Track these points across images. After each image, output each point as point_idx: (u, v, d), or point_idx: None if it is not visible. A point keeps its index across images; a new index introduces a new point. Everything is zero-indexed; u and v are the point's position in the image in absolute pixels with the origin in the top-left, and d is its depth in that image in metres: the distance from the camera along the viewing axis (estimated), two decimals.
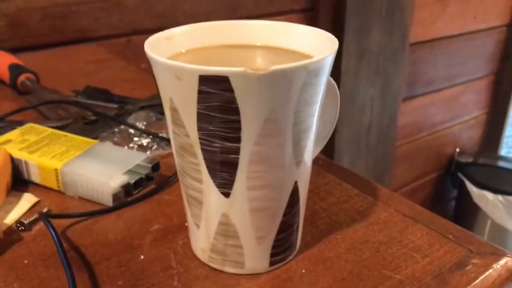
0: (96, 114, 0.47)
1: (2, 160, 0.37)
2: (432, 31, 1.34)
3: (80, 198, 0.37)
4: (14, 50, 0.68)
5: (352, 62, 1.13)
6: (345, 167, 0.42)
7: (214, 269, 0.30)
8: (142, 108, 0.50)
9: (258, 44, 0.30)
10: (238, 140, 0.25)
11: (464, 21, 1.41)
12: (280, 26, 0.30)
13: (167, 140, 0.45)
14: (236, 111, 0.24)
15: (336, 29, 1.10)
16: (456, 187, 1.67)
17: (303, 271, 0.30)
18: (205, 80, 0.24)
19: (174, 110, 0.26)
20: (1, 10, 0.72)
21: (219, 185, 0.27)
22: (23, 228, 0.34)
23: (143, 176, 0.37)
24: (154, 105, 0.51)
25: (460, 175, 1.62)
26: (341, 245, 0.33)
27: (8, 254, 0.32)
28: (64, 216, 0.34)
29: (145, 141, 0.45)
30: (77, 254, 0.32)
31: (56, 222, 0.34)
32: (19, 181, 0.39)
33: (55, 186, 0.37)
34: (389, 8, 1.15)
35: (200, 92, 0.24)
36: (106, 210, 0.35)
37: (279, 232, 0.29)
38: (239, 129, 0.25)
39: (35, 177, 0.38)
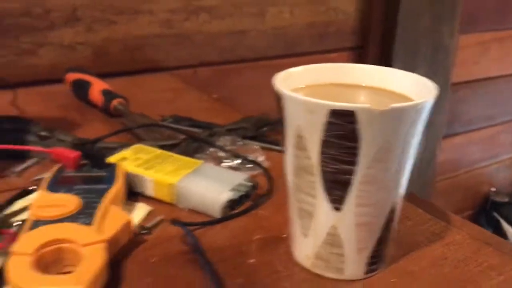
0: (191, 137, 0.53)
1: (123, 174, 0.43)
2: (474, 72, 1.39)
3: (190, 210, 0.43)
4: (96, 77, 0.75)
5: None
6: (417, 195, 0.46)
7: (316, 274, 0.35)
8: (229, 130, 0.56)
9: (363, 85, 0.36)
10: (354, 163, 0.31)
11: (504, 64, 1.45)
12: (385, 70, 0.36)
13: (254, 163, 0.50)
14: (356, 139, 0.30)
15: None
16: (491, 226, 1.68)
17: (393, 281, 0.35)
18: (335, 114, 0.29)
19: (299, 136, 0.32)
20: (89, 40, 0.80)
21: (331, 201, 0.32)
22: (146, 231, 0.39)
23: (244, 193, 0.43)
24: (237, 129, 0.57)
25: (495, 214, 1.63)
26: (422, 261, 0.37)
27: (137, 254, 0.37)
28: (196, 224, 0.39)
29: (234, 164, 0.50)
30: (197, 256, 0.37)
31: (174, 229, 0.39)
32: (130, 194, 0.45)
33: (168, 199, 0.43)
34: (434, 49, 1.21)
35: (328, 123, 0.30)
36: (221, 219, 0.40)
37: (376, 244, 0.34)
38: (356, 154, 0.30)
39: (150, 190, 0.44)
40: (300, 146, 0.32)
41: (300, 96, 0.30)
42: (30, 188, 0.43)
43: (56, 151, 0.43)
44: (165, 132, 0.58)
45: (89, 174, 0.42)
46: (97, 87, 0.67)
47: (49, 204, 0.37)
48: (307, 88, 0.36)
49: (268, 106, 1.07)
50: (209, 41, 0.93)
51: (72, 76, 0.71)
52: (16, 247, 0.32)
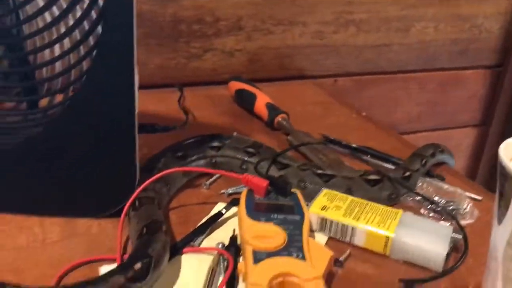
0: (379, 174, 0.53)
1: (304, 204, 0.47)
2: None
3: (404, 262, 0.44)
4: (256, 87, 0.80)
5: None
6: None
7: None
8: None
9: None
10: None
11: None
12: None
13: (454, 219, 0.49)
14: None
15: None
16: None
17: None
18: None
19: None
20: (246, 48, 0.85)
21: None
22: (339, 264, 0.43)
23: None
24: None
25: None
26: None
27: (336, 285, 0.42)
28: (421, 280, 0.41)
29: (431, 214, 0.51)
30: None
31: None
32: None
33: (381, 250, 0.45)
34: None
35: None
36: (444, 273, 0.42)
37: None
38: None
39: (359, 241, 0.46)
40: None
41: None
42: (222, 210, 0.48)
43: (248, 178, 0.47)
44: (330, 155, 0.62)
45: (279, 203, 0.46)
46: (261, 100, 0.72)
47: (260, 234, 0.42)
48: None
49: (401, 118, 1.07)
50: (353, 53, 0.95)
51: (235, 85, 0.76)
52: (253, 278, 0.37)
